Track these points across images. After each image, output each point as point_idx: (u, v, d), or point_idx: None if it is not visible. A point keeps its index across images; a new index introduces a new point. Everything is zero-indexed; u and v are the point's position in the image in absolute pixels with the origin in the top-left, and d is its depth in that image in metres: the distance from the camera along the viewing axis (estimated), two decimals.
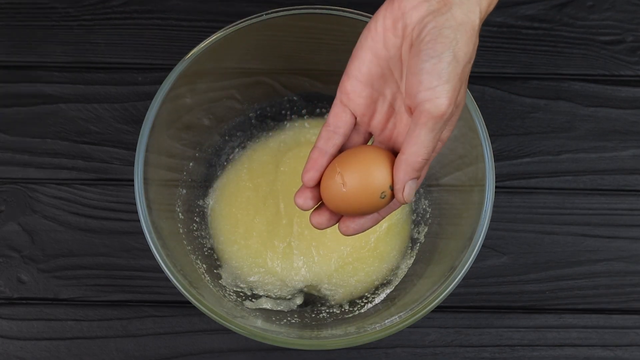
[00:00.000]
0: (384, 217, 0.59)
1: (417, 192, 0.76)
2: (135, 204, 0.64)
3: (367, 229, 0.59)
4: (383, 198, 0.55)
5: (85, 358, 0.75)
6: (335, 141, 0.57)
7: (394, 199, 0.56)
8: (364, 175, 0.55)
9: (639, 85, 0.82)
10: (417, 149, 0.53)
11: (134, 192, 0.64)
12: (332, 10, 0.67)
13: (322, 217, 0.58)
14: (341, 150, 0.58)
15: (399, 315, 0.64)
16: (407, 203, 0.57)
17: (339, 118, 0.57)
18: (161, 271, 0.63)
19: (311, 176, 0.56)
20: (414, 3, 0.51)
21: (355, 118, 0.57)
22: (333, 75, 0.75)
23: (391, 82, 0.55)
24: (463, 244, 0.65)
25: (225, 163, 0.77)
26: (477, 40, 0.53)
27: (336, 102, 0.58)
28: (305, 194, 0.57)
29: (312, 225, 0.58)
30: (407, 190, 0.54)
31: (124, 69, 0.82)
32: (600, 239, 0.78)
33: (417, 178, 0.54)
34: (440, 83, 0.51)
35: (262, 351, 0.75)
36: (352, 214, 0.57)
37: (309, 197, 0.57)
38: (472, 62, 0.53)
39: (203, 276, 0.70)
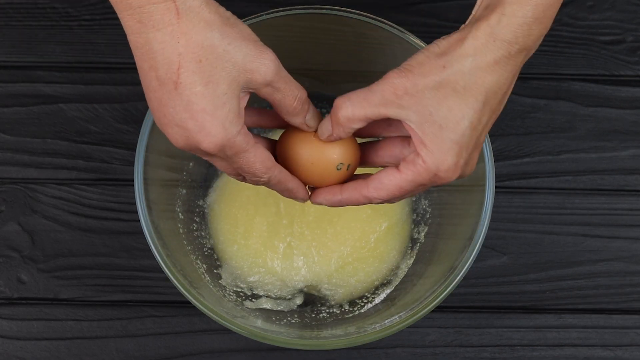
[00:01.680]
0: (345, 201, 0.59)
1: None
2: (135, 204, 0.64)
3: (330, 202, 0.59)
4: (339, 169, 0.57)
5: (85, 358, 0.75)
6: None
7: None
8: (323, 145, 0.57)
9: (639, 85, 0.82)
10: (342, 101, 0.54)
11: (134, 192, 0.64)
12: (332, 10, 0.66)
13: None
14: None
15: (399, 315, 0.64)
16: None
17: None
18: (161, 271, 0.63)
19: None
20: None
21: None
22: (333, 75, 0.75)
23: None
24: (463, 244, 0.65)
25: None
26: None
27: None
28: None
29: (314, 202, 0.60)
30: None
31: (124, 69, 0.82)
32: (600, 239, 0.78)
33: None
34: None
35: (262, 351, 0.75)
36: (312, 178, 0.58)
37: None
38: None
39: (203, 276, 0.70)
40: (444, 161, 0.52)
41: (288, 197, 0.59)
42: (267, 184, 0.56)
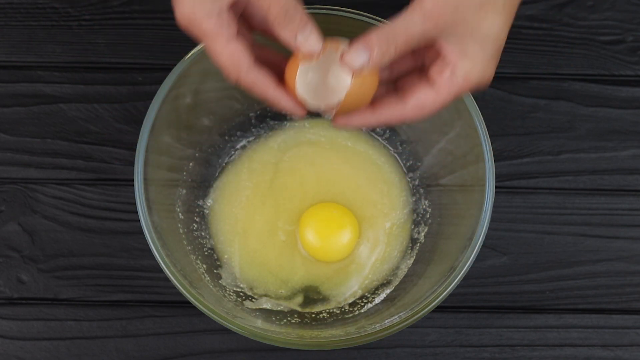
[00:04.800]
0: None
1: (418, 191, 0.76)
2: (135, 204, 0.64)
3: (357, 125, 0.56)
4: None
5: (85, 358, 0.75)
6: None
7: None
8: None
9: (639, 85, 0.82)
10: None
11: (134, 192, 0.64)
12: (332, 10, 0.66)
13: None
14: None
15: (399, 315, 0.64)
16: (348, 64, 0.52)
17: None
18: (161, 271, 0.63)
19: None
20: None
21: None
22: None
23: None
24: (463, 244, 0.65)
25: (225, 163, 0.77)
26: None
27: None
28: None
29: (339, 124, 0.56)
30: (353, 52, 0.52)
31: (124, 69, 0.82)
32: (600, 239, 0.78)
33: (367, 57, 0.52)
34: None
35: (262, 351, 0.75)
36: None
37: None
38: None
39: (203, 276, 0.70)
40: (486, 69, 0.55)
41: (277, 108, 0.54)
42: (239, 85, 0.52)
